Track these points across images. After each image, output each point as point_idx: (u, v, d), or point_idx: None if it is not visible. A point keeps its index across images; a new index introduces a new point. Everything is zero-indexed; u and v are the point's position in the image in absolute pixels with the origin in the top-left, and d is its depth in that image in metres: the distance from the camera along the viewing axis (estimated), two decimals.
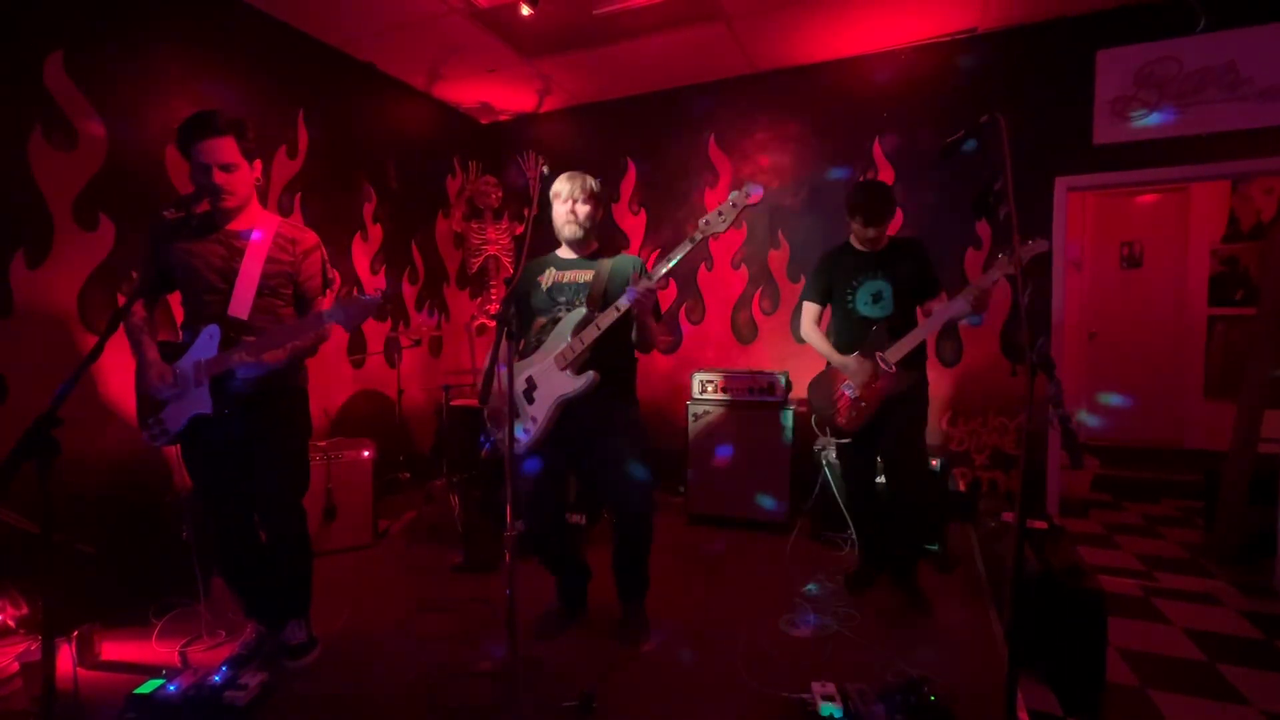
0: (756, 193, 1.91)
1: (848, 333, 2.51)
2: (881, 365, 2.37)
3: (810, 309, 2.61)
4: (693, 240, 1.98)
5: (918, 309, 2.49)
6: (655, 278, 1.97)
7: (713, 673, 2.00)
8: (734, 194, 1.94)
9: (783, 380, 3.34)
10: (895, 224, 3.65)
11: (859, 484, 2.65)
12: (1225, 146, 3.07)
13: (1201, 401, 4.76)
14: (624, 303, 1.97)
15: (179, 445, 1.95)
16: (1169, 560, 3.07)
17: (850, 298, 2.48)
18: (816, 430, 2.66)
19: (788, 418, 3.29)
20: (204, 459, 1.95)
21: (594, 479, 2.36)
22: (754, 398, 3.37)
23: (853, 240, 2.52)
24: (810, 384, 2.61)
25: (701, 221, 1.97)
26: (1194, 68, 3.08)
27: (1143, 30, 3.17)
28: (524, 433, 2.12)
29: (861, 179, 3.76)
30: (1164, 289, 4.94)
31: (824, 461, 3.11)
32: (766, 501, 3.32)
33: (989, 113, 1.58)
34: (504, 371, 1.74)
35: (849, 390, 2.45)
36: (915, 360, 2.41)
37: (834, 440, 2.80)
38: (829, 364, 2.56)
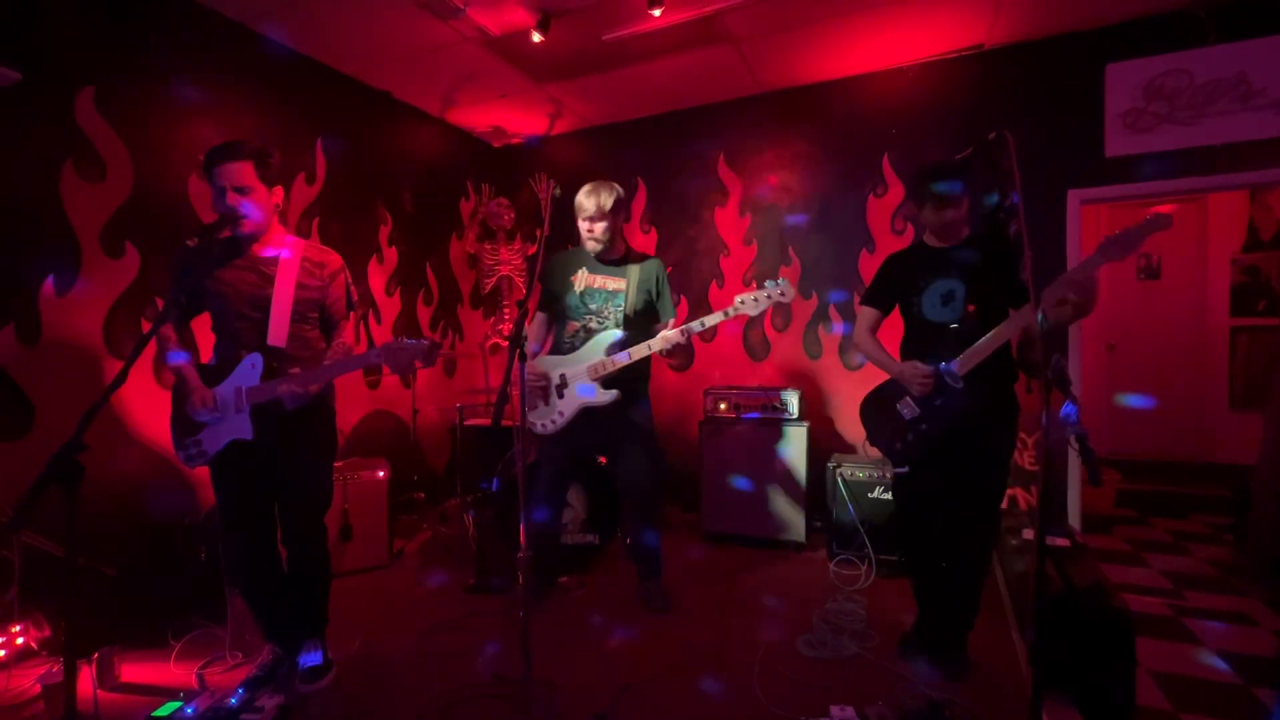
0: (790, 295, 2.23)
1: (915, 341, 2.12)
2: (948, 379, 1.97)
3: (866, 314, 2.23)
4: (725, 314, 2.27)
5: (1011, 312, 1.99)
6: (687, 336, 2.27)
7: (729, 695, 1.97)
8: (770, 285, 2.24)
9: (796, 398, 3.33)
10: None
11: (916, 523, 2.16)
12: (1240, 157, 3.04)
13: (1227, 414, 4.66)
14: (655, 344, 2.30)
15: (207, 467, 1.99)
16: (1198, 578, 2.99)
17: (916, 300, 2.09)
18: (865, 453, 2.47)
19: (801, 435, 3.27)
20: (233, 479, 1.99)
21: (613, 468, 2.69)
22: (767, 415, 3.35)
23: (925, 237, 2.16)
24: (865, 400, 2.23)
25: (737, 300, 2.26)
26: (1204, 80, 3.06)
27: (1151, 43, 3.17)
28: (551, 423, 2.45)
29: (871, 201, 3.77)
30: (1184, 300, 4.86)
31: (839, 479, 3.08)
32: (780, 520, 3.29)
33: (996, 129, 1.58)
34: (520, 389, 1.79)
35: (905, 410, 2.06)
36: (995, 375, 1.97)
37: (842, 455, 2.74)
38: (889, 378, 2.17)
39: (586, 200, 2.43)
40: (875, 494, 3.01)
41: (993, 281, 1.99)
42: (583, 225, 2.46)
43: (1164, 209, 5.11)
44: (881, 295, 2.22)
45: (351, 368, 1.95)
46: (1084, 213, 3.38)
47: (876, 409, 2.17)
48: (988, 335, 1.92)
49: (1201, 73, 3.07)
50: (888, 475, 2.93)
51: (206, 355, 2.06)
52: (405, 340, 1.83)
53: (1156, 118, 3.14)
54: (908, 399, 2.06)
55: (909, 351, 2.14)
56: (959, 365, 1.95)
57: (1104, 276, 5.04)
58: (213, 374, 1.94)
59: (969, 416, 1.95)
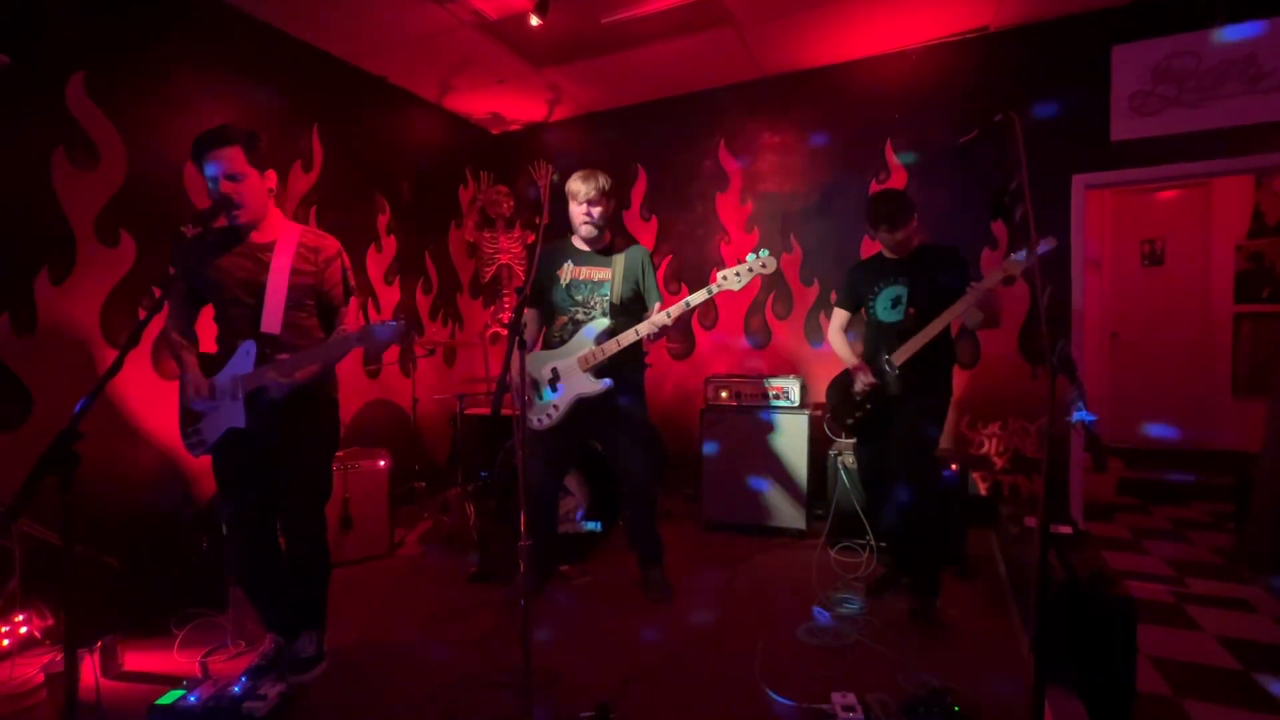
0: (772, 265, 2.24)
1: (870, 339, 2.56)
2: (886, 368, 2.40)
3: (838, 315, 2.69)
4: (709, 291, 2.30)
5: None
6: (673, 317, 2.29)
7: (730, 683, 1.97)
8: (751, 258, 2.25)
9: (797, 385, 3.31)
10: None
11: (871, 485, 2.68)
12: (1247, 140, 3.00)
13: (1230, 401, 4.65)
14: (643, 329, 2.31)
15: (210, 456, 1.99)
16: (1200, 565, 2.99)
17: (872, 303, 2.51)
18: (829, 432, 2.68)
19: (802, 423, 3.26)
20: (233, 468, 1.99)
21: (609, 455, 2.67)
22: (768, 403, 3.34)
23: (884, 250, 2.54)
24: (828, 386, 2.67)
25: (719, 276, 2.28)
26: (1214, 61, 3.02)
27: (1159, 24, 3.12)
28: (546, 417, 2.42)
29: (874, 187, 3.75)
30: (1188, 287, 4.83)
31: (839, 467, 3.07)
32: (781, 508, 3.29)
33: (1002, 111, 1.55)
34: (520, 378, 1.76)
35: (856, 395, 2.51)
36: (927, 364, 2.37)
37: (844, 441, 2.84)
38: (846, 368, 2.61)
39: (583, 185, 2.41)
40: None
41: (931, 287, 2.38)
42: (579, 210, 2.44)
43: (1169, 194, 5.07)
44: (849, 299, 2.66)
45: (333, 353, 1.91)
46: (1089, 197, 3.35)
47: (834, 392, 2.63)
48: (917, 335, 2.33)
49: (1210, 54, 3.02)
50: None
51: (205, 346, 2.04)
52: (383, 322, 1.81)
53: (1164, 100, 3.10)
54: (855, 386, 2.51)
55: (867, 343, 2.58)
56: (897, 357, 2.37)
57: (1108, 264, 5.01)
58: (213, 363, 1.93)
59: (903, 396, 2.39)
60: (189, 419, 1.95)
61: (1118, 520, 3.70)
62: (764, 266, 2.24)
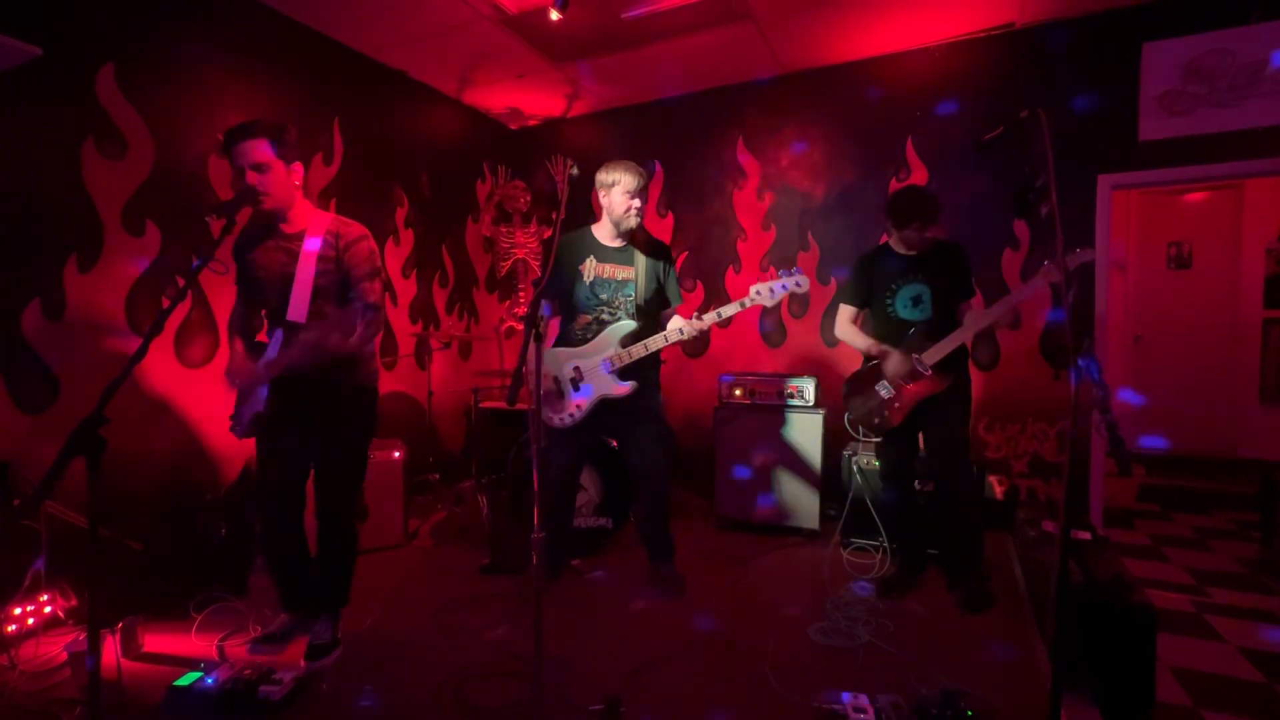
0: (805, 285, 2.32)
1: (887, 336, 2.52)
2: (918, 368, 2.39)
3: (847, 311, 2.64)
4: (742, 304, 2.33)
5: (959, 310, 2.49)
6: (708, 323, 2.31)
7: (741, 680, 1.96)
8: (784, 277, 2.31)
9: (812, 385, 3.29)
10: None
11: (893, 483, 2.63)
12: None
13: (1257, 408, 4.54)
14: (672, 336, 2.34)
15: (254, 438, 2.07)
16: (1222, 575, 2.93)
17: (890, 301, 2.50)
18: (849, 429, 2.67)
19: (817, 423, 3.23)
20: (264, 450, 2.06)
21: (624, 451, 2.65)
22: (782, 402, 3.32)
23: (892, 243, 2.53)
24: (846, 381, 2.61)
25: (753, 290, 2.32)
26: (1248, 60, 2.94)
27: (1192, 22, 3.04)
28: (569, 416, 2.40)
29: (896, 182, 3.70)
30: (1215, 291, 4.72)
31: (855, 468, 3.05)
32: (794, 508, 3.27)
33: (1029, 108, 1.53)
34: (535, 370, 1.76)
35: (883, 390, 2.46)
36: (953, 362, 2.42)
37: (866, 440, 2.82)
38: (865, 363, 2.58)
39: (630, 176, 2.37)
40: None
41: (950, 283, 2.44)
42: (629, 202, 2.38)
43: (1198, 196, 4.96)
44: (860, 295, 2.61)
45: (332, 331, 1.85)
46: (1115, 198, 3.28)
47: (858, 389, 2.57)
48: (952, 335, 2.36)
49: (1244, 53, 2.95)
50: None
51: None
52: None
53: (1195, 99, 3.03)
54: (884, 381, 2.47)
55: (880, 341, 2.52)
56: (929, 357, 2.37)
57: (1133, 266, 4.92)
58: (263, 351, 2.02)
59: (932, 395, 2.40)
60: (239, 402, 2.05)
61: (1138, 527, 3.63)
62: (798, 285, 2.31)
